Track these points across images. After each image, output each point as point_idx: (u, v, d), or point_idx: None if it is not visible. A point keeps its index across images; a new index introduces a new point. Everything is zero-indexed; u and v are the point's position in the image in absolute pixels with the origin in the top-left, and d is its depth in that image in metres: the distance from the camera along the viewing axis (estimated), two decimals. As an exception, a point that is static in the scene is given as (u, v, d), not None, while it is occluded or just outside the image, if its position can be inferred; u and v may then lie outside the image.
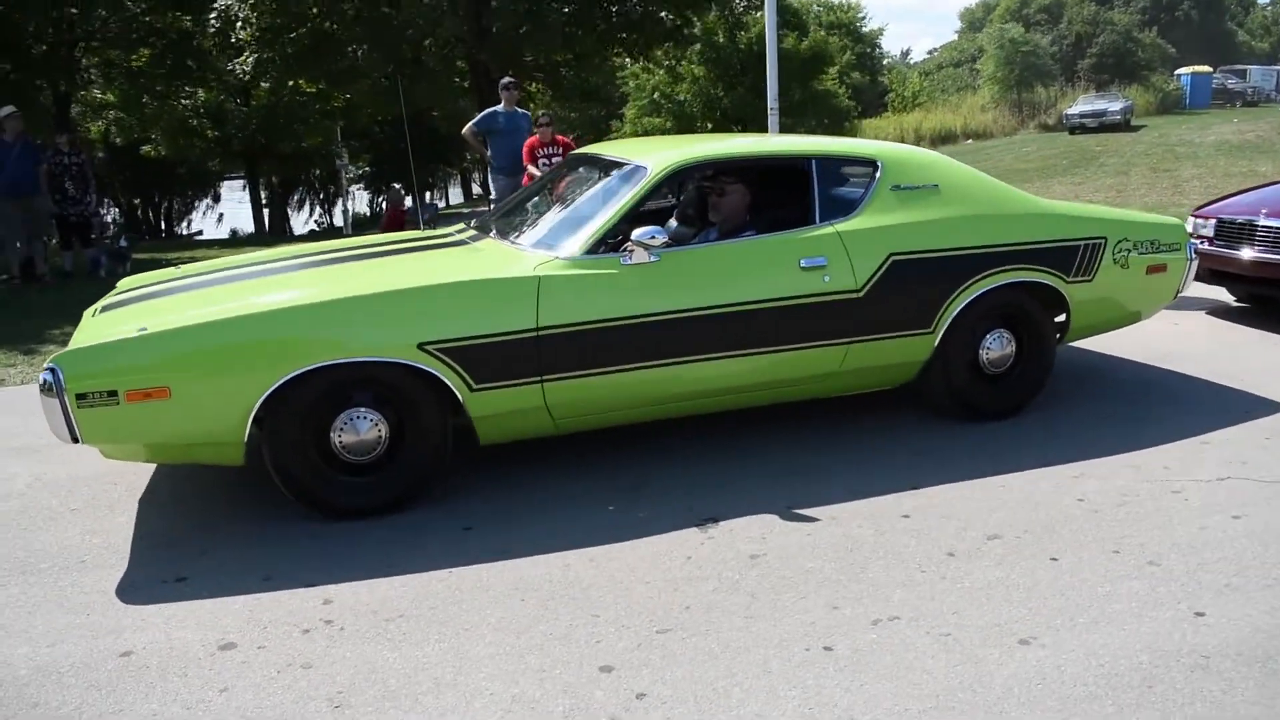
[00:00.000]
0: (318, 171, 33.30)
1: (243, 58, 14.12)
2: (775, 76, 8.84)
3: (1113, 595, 2.80)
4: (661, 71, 28.81)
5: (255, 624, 2.83)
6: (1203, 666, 2.43)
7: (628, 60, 15.84)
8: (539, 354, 3.49)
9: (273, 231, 28.80)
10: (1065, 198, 14.05)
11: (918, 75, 48.52)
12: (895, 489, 3.62)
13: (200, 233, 37.20)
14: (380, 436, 3.46)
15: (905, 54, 66.75)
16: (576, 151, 4.65)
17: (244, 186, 28.04)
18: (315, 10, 12.45)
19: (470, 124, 8.99)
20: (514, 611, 2.85)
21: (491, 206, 8.84)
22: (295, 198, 38.49)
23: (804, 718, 2.30)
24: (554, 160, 8.21)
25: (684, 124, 28.80)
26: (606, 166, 4.11)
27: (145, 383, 3.18)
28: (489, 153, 8.89)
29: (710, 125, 28.74)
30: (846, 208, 3.99)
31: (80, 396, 3.13)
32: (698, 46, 26.95)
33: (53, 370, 3.15)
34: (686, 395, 3.81)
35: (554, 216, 4.01)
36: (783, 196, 4.15)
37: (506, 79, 9.12)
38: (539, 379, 3.52)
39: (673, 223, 4.61)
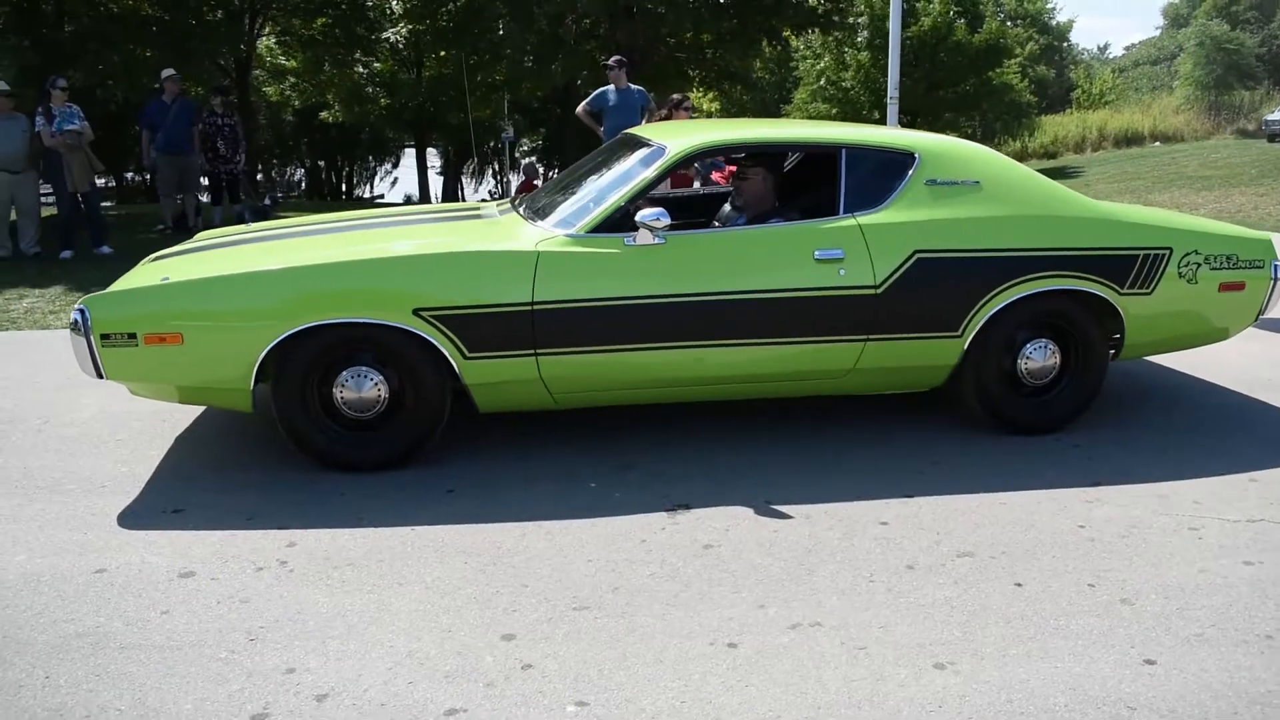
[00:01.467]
0: (493, 143, 34.38)
1: (397, 28, 14.80)
2: (897, 65, 8.54)
3: (1063, 630, 2.59)
4: (828, 58, 28.22)
5: (219, 557, 3.03)
6: (1121, 719, 2.23)
7: (776, 44, 15.43)
8: (534, 328, 3.54)
9: (446, 198, 30.05)
10: (1241, 208, 12.96)
11: (1110, 72, 45.36)
12: (887, 495, 3.47)
13: (381, 196, 39.29)
14: (380, 396, 3.61)
15: (1103, 49, 62.58)
16: (626, 131, 4.65)
17: (415, 154, 29.34)
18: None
19: (583, 103, 9.11)
20: (452, 572, 2.93)
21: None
22: (470, 166, 40.05)
23: (673, 710, 2.26)
24: None
25: (849, 112, 28.15)
26: (636, 147, 4.10)
27: (161, 328, 3.44)
28: (603, 130, 9.00)
29: (878, 115, 27.94)
30: (875, 200, 3.82)
31: (104, 336, 3.43)
32: (864, 34, 26.23)
33: (81, 311, 3.45)
34: (687, 381, 3.78)
35: (575, 195, 4.03)
36: (812, 185, 4.03)
37: (613, 58, 9.19)
38: (533, 352, 3.57)
39: (726, 208, 4.56)
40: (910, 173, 3.86)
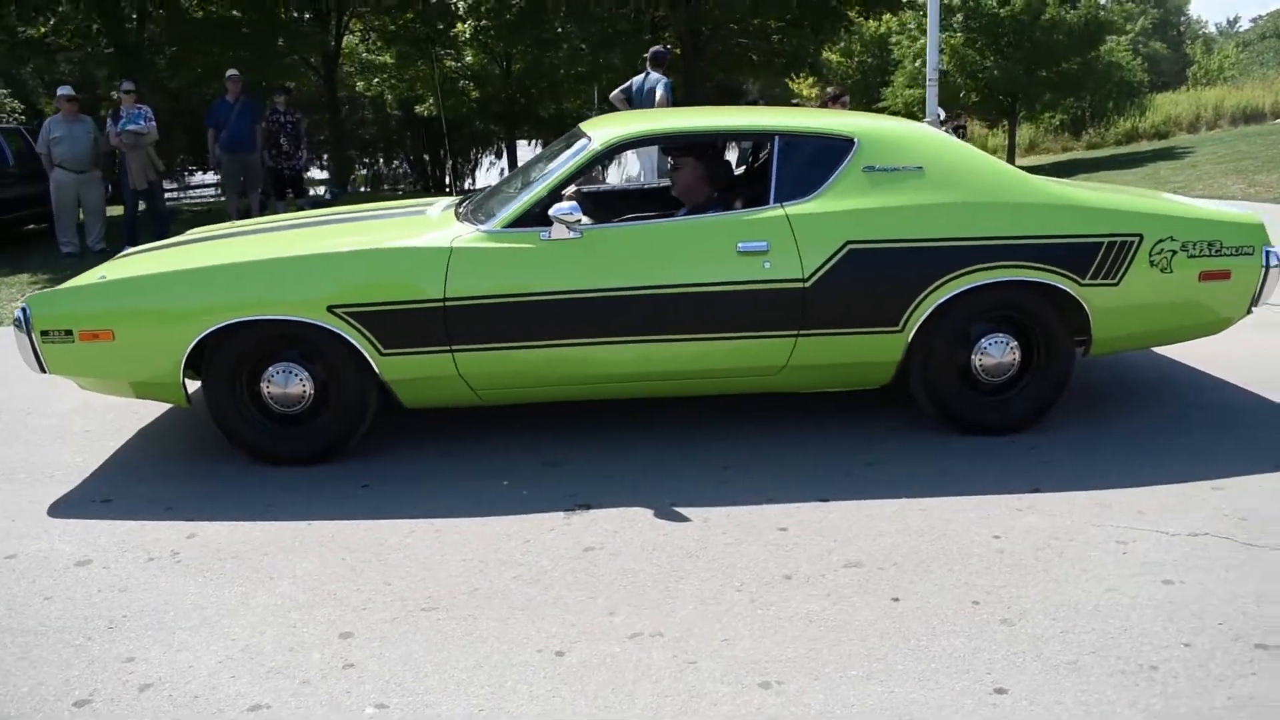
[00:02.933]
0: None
1: (461, 27, 15.04)
2: (935, 44, 8.18)
3: (920, 651, 2.42)
4: (922, 39, 27.25)
5: (120, 546, 3.13)
6: (935, 749, 2.06)
7: (844, 28, 14.89)
8: (447, 324, 3.52)
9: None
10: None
11: (1234, 46, 42.33)
12: (802, 498, 3.31)
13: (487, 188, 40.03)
14: (305, 391, 3.66)
15: (1233, 22, 58.40)
16: (580, 125, 4.57)
17: (505, 146, 29.76)
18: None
19: (664, 92, 8.98)
20: (326, 567, 2.94)
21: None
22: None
23: (468, 717, 2.21)
24: None
25: (945, 96, 27.13)
26: (575, 139, 4.03)
27: (94, 325, 3.57)
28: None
29: (975, 98, 26.92)
30: (808, 189, 3.63)
31: (44, 333, 3.58)
32: (959, 15, 25.25)
33: (24, 310, 3.61)
34: (611, 378, 3.69)
35: (506, 188, 3.99)
36: (750, 175, 3.87)
37: (664, 48, 9.10)
38: (448, 349, 3.55)
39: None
40: (847, 159, 3.65)
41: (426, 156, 40.19)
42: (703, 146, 3.99)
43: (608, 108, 15.30)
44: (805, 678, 2.32)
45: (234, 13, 14.85)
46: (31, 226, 10.50)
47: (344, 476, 3.63)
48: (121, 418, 4.39)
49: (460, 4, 14.45)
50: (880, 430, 3.92)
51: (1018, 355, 3.76)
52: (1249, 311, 3.90)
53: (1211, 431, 3.83)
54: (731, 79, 16.93)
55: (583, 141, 3.80)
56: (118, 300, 3.61)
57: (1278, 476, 3.37)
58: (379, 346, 3.53)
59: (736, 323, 3.58)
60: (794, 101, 43.78)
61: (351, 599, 2.76)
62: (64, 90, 9.11)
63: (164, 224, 9.56)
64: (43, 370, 3.66)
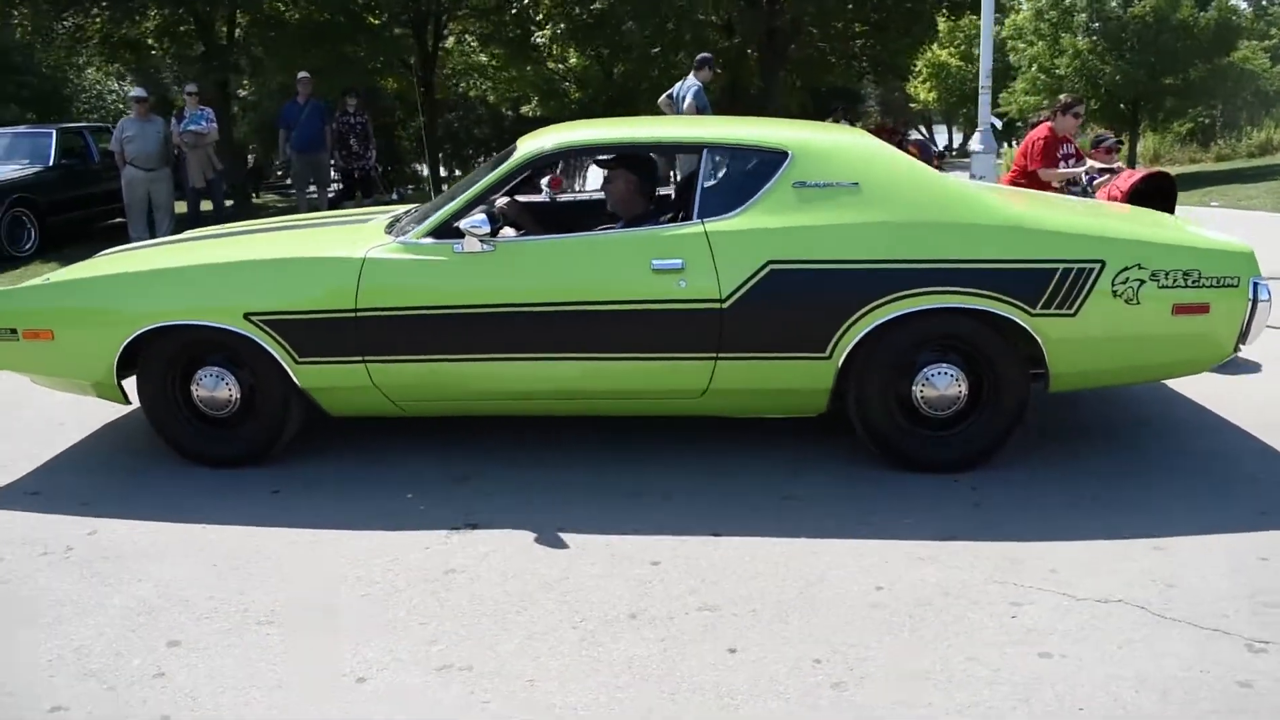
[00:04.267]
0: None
1: (543, 32, 15.17)
2: (990, 50, 7.72)
3: (729, 710, 2.24)
4: (1040, 44, 26.09)
5: (22, 540, 3.23)
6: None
7: (929, 30, 14.25)
8: (359, 334, 3.50)
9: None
10: None
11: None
12: (694, 531, 3.15)
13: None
14: (231, 396, 3.70)
15: None
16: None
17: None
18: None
19: (690, 101, 8.91)
20: (193, 572, 2.96)
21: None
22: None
23: (233, 743, 2.17)
24: None
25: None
26: (510, 149, 3.94)
27: (35, 325, 3.71)
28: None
29: (1096, 104, 25.62)
30: (733, 204, 3.45)
31: None
32: (1082, 16, 24.08)
33: None
34: (524, 395, 3.60)
35: (439, 198, 3.94)
36: (681, 188, 3.71)
37: (705, 54, 8.96)
38: (361, 359, 3.53)
39: None
40: (778, 174, 3.45)
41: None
42: (635, 158, 3.85)
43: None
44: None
45: (326, 16, 15.36)
46: (118, 220, 11.11)
47: (259, 481, 3.65)
48: (99, 412, 4.52)
49: (540, 9, 14.59)
50: (816, 462, 3.70)
51: (964, 388, 3.49)
52: (1236, 350, 3.51)
53: (1179, 482, 3.46)
54: (816, 82, 16.49)
55: (511, 152, 3.73)
56: (56, 301, 3.74)
57: (1232, 539, 3.02)
58: (294, 355, 3.54)
59: (651, 343, 3.44)
60: (911, 105, 42.64)
61: (200, 607, 2.76)
62: (136, 91, 9.61)
63: (223, 220, 9.97)
64: None
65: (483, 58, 22.38)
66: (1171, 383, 4.45)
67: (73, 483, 3.71)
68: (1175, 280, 3.35)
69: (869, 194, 3.41)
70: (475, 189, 3.60)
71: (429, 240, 3.54)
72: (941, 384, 3.47)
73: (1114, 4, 24.20)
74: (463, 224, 3.41)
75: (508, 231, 3.68)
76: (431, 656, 2.48)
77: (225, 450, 3.76)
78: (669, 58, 9.69)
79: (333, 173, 11.68)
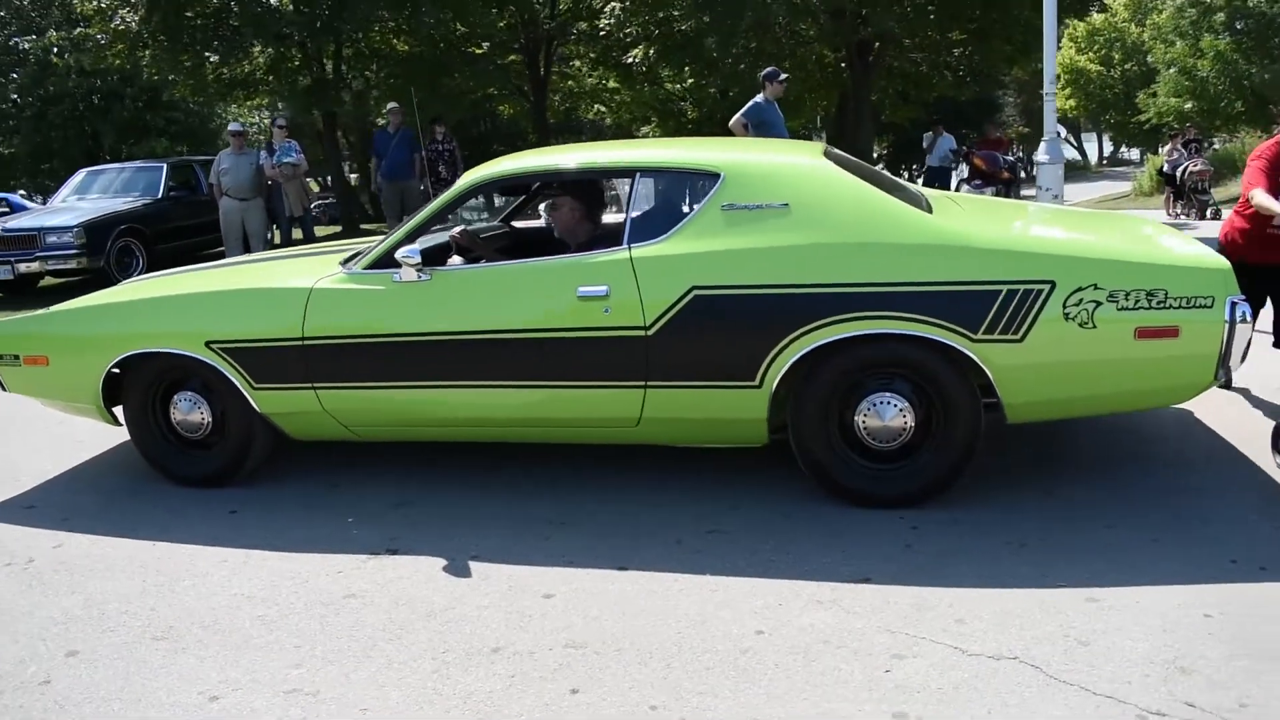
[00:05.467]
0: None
1: (634, 52, 15.30)
2: (1053, 53, 7.28)
3: (541, 751, 2.20)
4: (1180, 45, 24.53)
5: (-6, 550, 3.48)
6: None
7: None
8: (306, 362, 3.62)
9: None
10: None
11: None
12: (602, 565, 3.09)
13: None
14: (204, 419, 3.89)
15: None
16: None
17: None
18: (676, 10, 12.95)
19: (738, 115, 8.81)
20: (122, 587, 3.11)
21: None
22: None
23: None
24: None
25: (1206, 107, 24.28)
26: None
27: (33, 351, 4.01)
28: (752, 146, 8.69)
29: (1240, 107, 23.90)
30: (662, 229, 3.38)
31: (0, 357, 4.06)
32: (1221, 15, 22.53)
33: None
34: (465, 422, 3.63)
35: (396, 228, 4.02)
36: (618, 214, 3.67)
37: (769, 69, 8.81)
38: (310, 386, 3.65)
39: None
40: (708, 197, 3.37)
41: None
42: (577, 185, 3.83)
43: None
44: (397, 765, 2.18)
45: (440, 48, 15.99)
46: (219, 249, 11.88)
47: (222, 501, 3.81)
48: (116, 434, 4.81)
49: (630, 31, 14.77)
50: (761, 493, 3.57)
51: (910, 419, 3.30)
52: (1217, 377, 3.18)
53: (1145, 525, 3.16)
54: (924, 94, 15.91)
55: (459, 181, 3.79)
56: (51, 330, 4.03)
57: (1184, 593, 2.73)
58: (251, 381, 3.69)
59: (580, 371, 3.41)
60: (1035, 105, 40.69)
61: (110, 620, 2.91)
62: (234, 126, 10.25)
63: (318, 246, 10.50)
64: (3, 389, 4.14)
65: (591, 81, 22.75)
66: (1152, 412, 4.11)
67: (63, 498, 3.97)
68: (1137, 301, 3.08)
69: (799, 215, 3.28)
70: (416, 220, 3.67)
71: (372, 271, 3.63)
72: (885, 414, 3.30)
73: (1253, 2, 22.53)
74: (398, 254, 3.49)
75: (455, 260, 3.72)
76: (288, 680, 2.53)
77: (199, 470, 3.95)
78: (755, 75, 9.60)
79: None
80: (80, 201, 11.04)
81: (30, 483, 4.18)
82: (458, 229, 3.91)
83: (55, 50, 23.20)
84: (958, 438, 3.27)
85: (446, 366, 3.51)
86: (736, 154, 3.57)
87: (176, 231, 10.84)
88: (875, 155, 35.79)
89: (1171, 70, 25.06)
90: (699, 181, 3.45)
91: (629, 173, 3.54)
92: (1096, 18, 34.64)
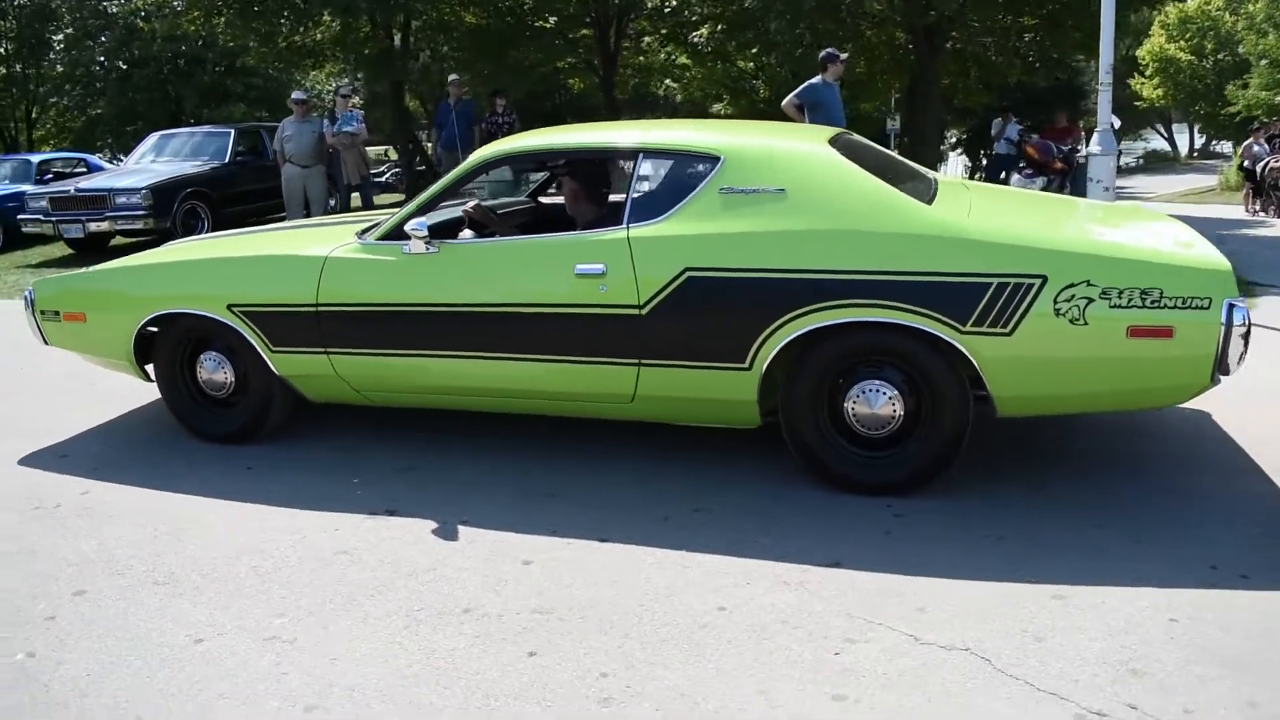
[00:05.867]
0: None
1: (699, 32, 15.20)
2: (1110, 42, 7.05)
3: (485, 710, 2.30)
4: (1274, 36, 23.44)
5: (25, 495, 3.71)
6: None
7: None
8: (320, 327, 3.77)
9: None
10: None
11: None
12: (584, 535, 3.18)
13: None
14: (227, 379, 4.08)
15: None
16: None
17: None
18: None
19: (792, 95, 8.75)
20: (134, 535, 3.30)
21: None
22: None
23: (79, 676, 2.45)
24: None
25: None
26: None
27: (73, 308, 4.25)
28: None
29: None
30: (661, 210, 3.44)
31: (41, 312, 4.31)
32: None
33: (29, 291, 4.37)
34: (467, 391, 3.75)
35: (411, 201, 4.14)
36: (622, 193, 3.73)
37: (827, 50, 8.72)
38: (324, 350, 3.80)
39: None
40: (707, 179, 3.41)
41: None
42: (584, 164, 3.91)
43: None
44: (350, 707, 2.30)
45: (508, 20, 16.11)
46: (282, 213, 12.22)
47: (241, 458, 4.00)
48: (153, 390, 5.05)
49: (695, 8, 14.69)
50: (752, 475, 3.62)
51: (899, 407, 3.31)
52: (1214, 380, 3.13)
53: (1134, 525, 3.13)
54: (998, 79, 15.43)
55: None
56: (90, 288, 4.26)
57: (1154, 595, 2.71)
58: (269, 344, 3.86)
59: (576, 347, 3.49)
60: (1136, 103, 39.27)
61: (118, 564, 3.09)
62: (297, 95, 10.52)
63: (374, 214, 10.75)
64: (45, 343, 4.39)
65: (662, 57, 22.67)
66: (1165, 410, 4.04)
67: (96, 449, 4.20)
68: (1131, 299, 3.04)
69: (795, 200, 3.30)
70: (428, 194, 3.79)
71: (384, 242, 3.75)
72: (875, 402, 3.32)
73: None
74: (407, 227, 3.60)
75: (466, 234, 3.82)
76: (270, 628, 2.68)
77: (222, 427, 4.15)
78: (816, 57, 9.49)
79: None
80: (152, 164, 11.46)
81: (68, 433, 4.42)
82: (471, 203, 4.01)
83: (141, 15, 23.95)
84: (945, 429, 3.28)
85: (451, 337, 3.63)
86: (738, 137, 3.60)
87: (241, 195, 11.18)
88: (954, 140, 35.11)
89: (1263, 63, 24.03)
90: (700, 164, 3.48)
91: (633, 154, 3.60)
92: (1190, 4, 33.23)
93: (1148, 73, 35.81)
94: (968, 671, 2.40)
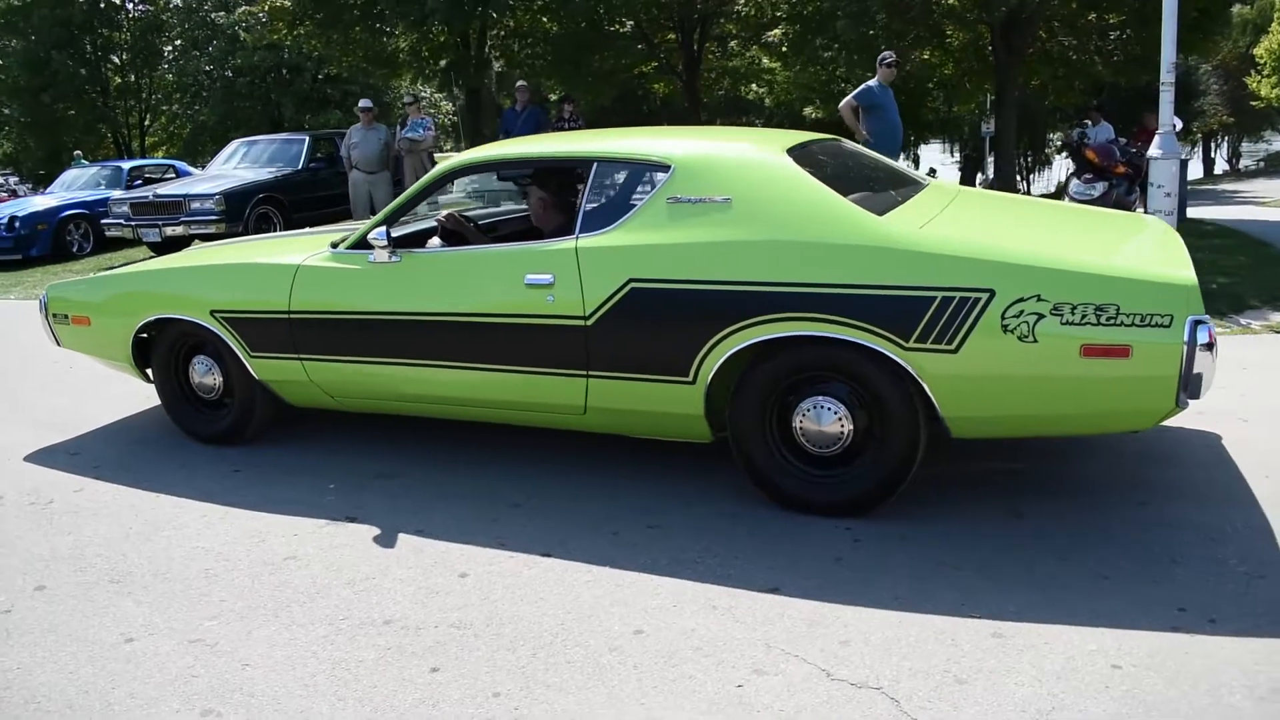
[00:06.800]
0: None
1: (773, 32, 14.99)
2: (1172, 39, 6.65)
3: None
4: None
5: (27, 490, 3.91)
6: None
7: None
8: (292, 334, 3.87)
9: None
10: None
11: None
12: (529, 550, 3.16)
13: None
14: (215, 382, 4.23)
15: None
16: None
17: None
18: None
19: (849, 97, 8.59)
20: (108, 533, 3.44)
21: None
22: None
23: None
24: None
25: None
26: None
27: (79, 312, 4.46)
28: (864, 131, 8.45)
29: None
30: (610, 219, 3.42)
31: (53, 315, 4.55)
32: None
33: (43, 296, 4.61)
34: (428, 399, 3.79)
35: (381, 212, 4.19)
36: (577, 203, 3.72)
37: (883, 53, 8.55)
38: (296, 356, 3.91)
39: None
40: (656, 188, 3.37)
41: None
42: (548, 174, 3.93)
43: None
44: (244, 713, 2.34)
45: (583, 26, 16.22)
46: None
47: (229, 461, 4.12)
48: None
49: (776, 11, 14.48)
50: (713, 492, 3.52)
51: (848, 425, 3.19)
52: (1180, 404, 2.90)
53: (1103, 560, 2.93)
54: (1089, 79, 14.72)
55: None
56: (92, 293, 4.47)
57: (1104, 637, 2.53)
58: (248, 348, 3.99)
59: (526, 357, 3.50)
60: (1253, 103, 36.99)
61: (84, 561, 3.22)
62: (364, 103, 10.80)
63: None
64: (58, 344, 4.64)
65: (747, 60, 22.50)
66: (1168, 434, 3.77)
67: (101, 448, 4.39)
68: (1084, 316, 2.85)
69: (739, 211, 3.23)
70: (394, 204, 3.87)
71: (351, 251, 3.84)
72: (823, 419, 3.21)
73: None
74: (370, 236, 3.67)
75: (434, 243, 3.88)
76: (198, 630, 2.74)
77: (211, 429, 4.30)
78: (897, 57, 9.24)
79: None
80: (232, 170, 11.94)
81: (85, 431, 4.63)
82: (445, 213, 4.08)
83: (242, 26, 25.03)
84: (896, 449, 3.14)
85: (413, 345, 3.67)
86: (690, 146, 3.53)
87: (313, 201, 11.55)
88: (1060, 144, 33.73)
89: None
90: (652, 173, 3.46)
91: (587, 163, 3.58)
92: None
93: (1265, 70, 33.74)
94: (869, 712, 2.28)
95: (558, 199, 3.88)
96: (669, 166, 3.38)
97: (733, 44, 20.56)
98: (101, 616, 2.85)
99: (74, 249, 12.07)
